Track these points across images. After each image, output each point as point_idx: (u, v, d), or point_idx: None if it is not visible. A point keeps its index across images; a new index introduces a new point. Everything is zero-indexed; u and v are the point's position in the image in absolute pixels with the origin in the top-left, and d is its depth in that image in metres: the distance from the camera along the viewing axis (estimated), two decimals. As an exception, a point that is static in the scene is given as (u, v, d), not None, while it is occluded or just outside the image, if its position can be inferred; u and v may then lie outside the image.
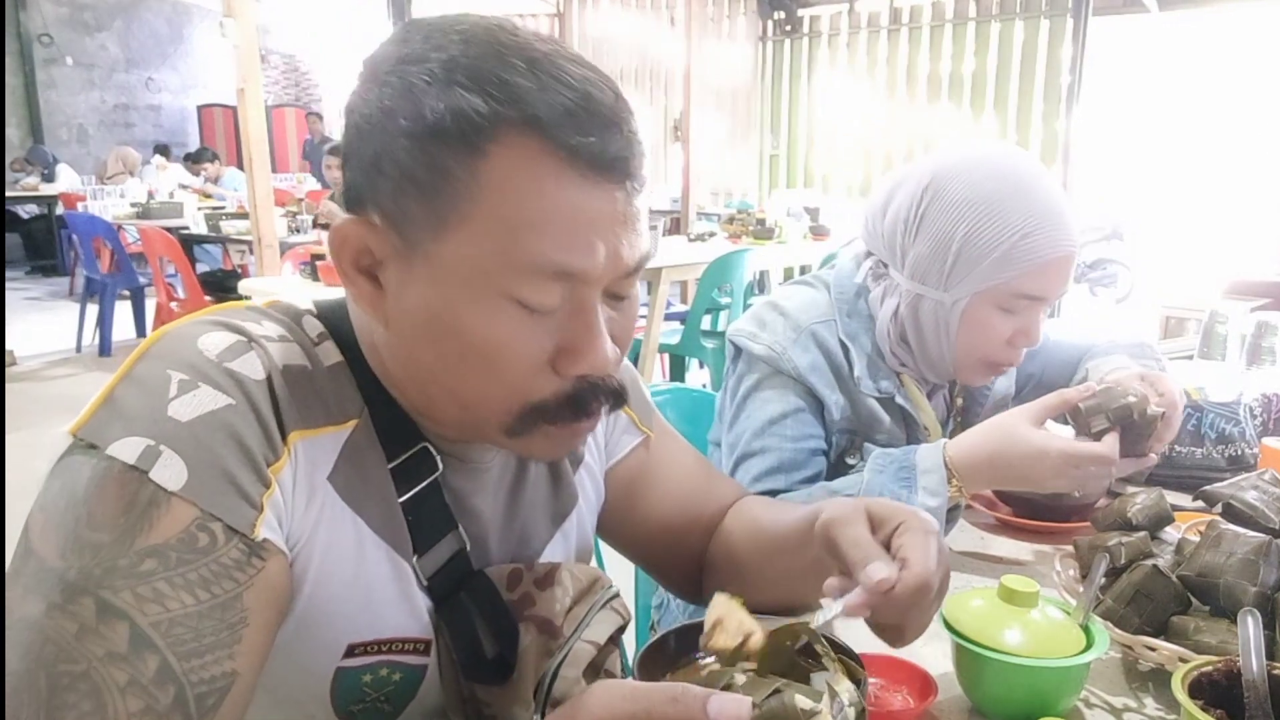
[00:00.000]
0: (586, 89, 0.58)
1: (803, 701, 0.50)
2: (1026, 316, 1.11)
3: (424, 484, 0.69)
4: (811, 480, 1.14)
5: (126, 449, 0.55)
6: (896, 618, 0.64)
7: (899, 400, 1.18)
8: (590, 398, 0.64)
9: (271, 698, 0.66)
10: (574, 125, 0.57)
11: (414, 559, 0.69)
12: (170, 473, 0.55)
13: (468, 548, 0.72)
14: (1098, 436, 0.99)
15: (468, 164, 0.57)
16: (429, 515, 0.69)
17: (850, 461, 1.17)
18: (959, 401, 1.29)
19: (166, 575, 0.53)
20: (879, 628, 0.66)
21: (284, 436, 0.61)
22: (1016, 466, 1.00)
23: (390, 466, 0.67)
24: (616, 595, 0.80)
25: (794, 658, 0.57)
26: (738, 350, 1.22)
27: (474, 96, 0.56)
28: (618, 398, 0.66)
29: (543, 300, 0.60)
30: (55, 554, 0.53)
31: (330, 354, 0.67)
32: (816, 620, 0.62)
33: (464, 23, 0.61)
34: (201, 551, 0.55)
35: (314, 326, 0.68)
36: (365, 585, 0.66)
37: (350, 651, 0.67)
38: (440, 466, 0.70)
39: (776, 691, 0.50)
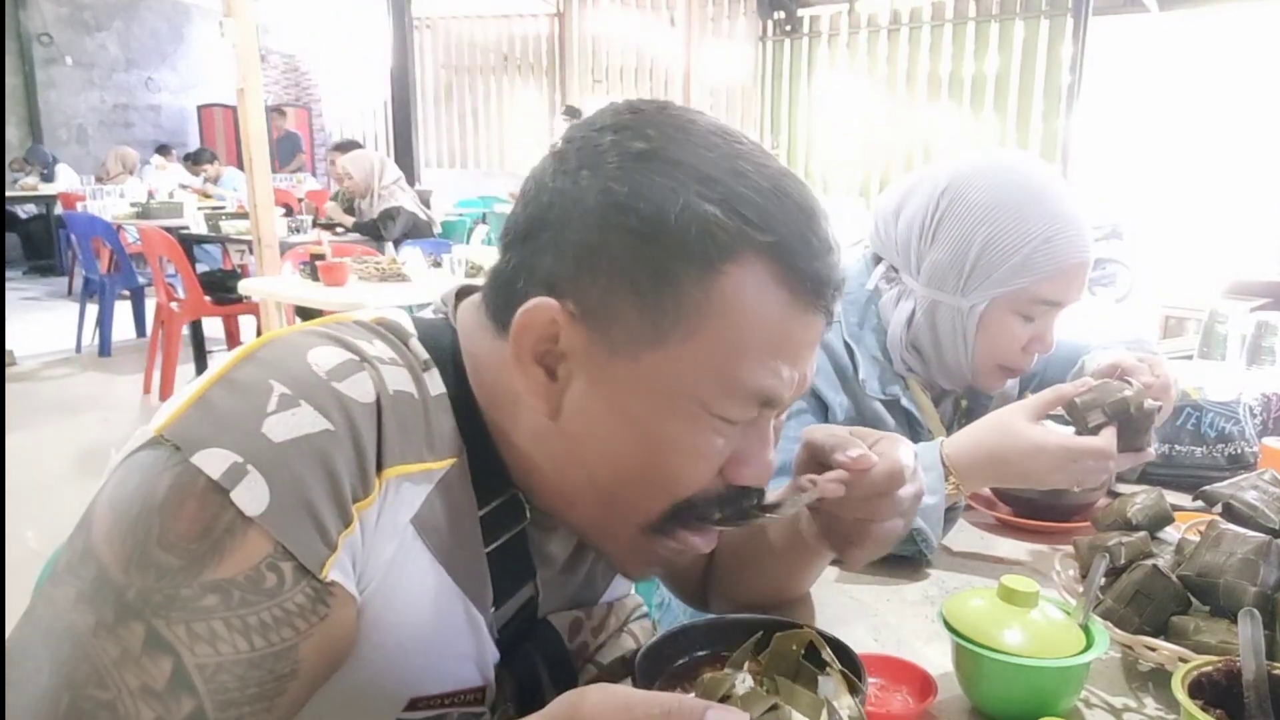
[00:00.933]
0: (813, 210, 0.59)
1: (797, 718, 0.50)
2: (1043, 322, 1.12)
3: (511, 533, 0.66)
4: None
5: (212, 462, 0.52)
6: (866, 509, 0.67)
7: (904, 403, 1.18)
8: (742, 499, 0.64)
9: None
10: (806, 251, 0.57)
11: (491, 610, 0.66)
12: (252, 496, 0.51)
13: (539, 596, 0.70)
14: (1095, 431, 0.99)
15: (701, 281, 0.56)
16: (511, 565, 0.67)
17: None
18: (963, 404, 1.29)
19: (225, 616, 0.50)
20: (840, 534, 0.70)
21: (379, 470, 0.57)
22: (1014, 462, 1.00)
23: (481, 514, 0.64)
24: (642, 617, 0.80)
25: (800, 662, 0.57)
26: None
27: (718, 210, 0.55)
28: (762, 508, 0.66)
29: (742, 418, 0.60)
30: (118, 566, 0.50)
31: (435, 384, 0.63)
32: (791, 506, 0.65)
33: (689, 121, 0.60)
34: (267, 593, 0.52)
35: (420, 350, 0.64)
36: (437, 636, 0.63)
37: (413, 705, 0.63)
38: (529, 515, 0.67)
39: (774, 707, 0.50)
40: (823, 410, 1.16)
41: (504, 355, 0.62)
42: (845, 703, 0.54)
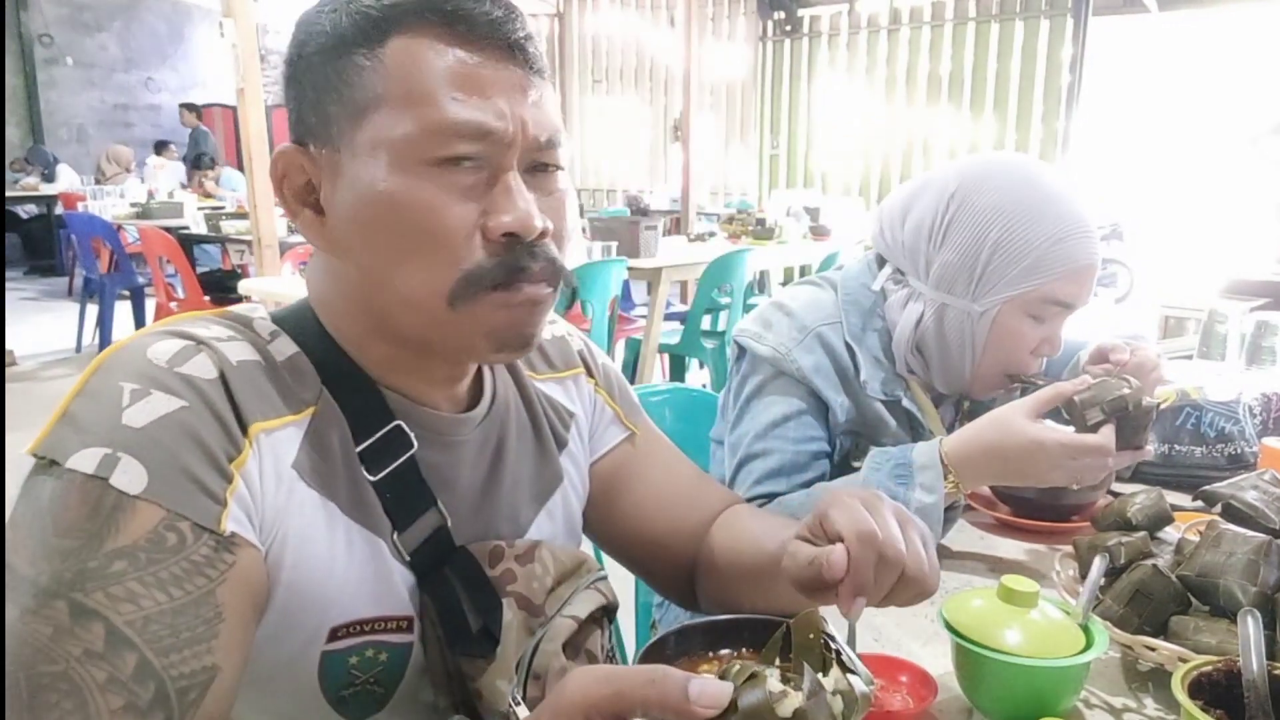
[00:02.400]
0: None
1: (774, 684, 0.50)
2: (1054, 325, 1.12)
3: (398, 462, 0.69)
4: (813, 483, 1.13)
5: (84, 460, 0.56)
6: (890, 590, 0.64)
7: (905, 403, 1.18)
8: (525, 259, 0.66)
9: (262, 689, 0.66)
10: (460, 4, 0.64)
11: (394, 535, 0.69)
12: (130, 477, 0.56)
13: (448, 523, 0.73)
14: (1094, 429, 0.99)
15: (372, 55, 0.63)
16: (406, 492, 0.70)
17: (855, 465, 1.16)
18: (965, 405, 1.29)
19: (138, 575, 0.54)
20: (903, 598, 0.66)
21: (244, 430, 0.62)
22: (1013, 460, 1.00)
23: (359, 449, 0.68)
24: (603, 578, 0.80)
25: (823, 650, 0.56)
26: (742, 350, 1.21)
27: (369, 2, 0.64)
28: (555, 269, 0.68)
29: (454, 152, 0.63)
30: (26, 563, 0.54)
31: (283, 348, 0.68)
32: (840, 634, 0.62)
33: None
34: (171, 550, 0.56)
35: (265, 326, 0.70)
36: (341, 567, 0.67)
37: (334, 635, 0.67)
38: (415, 444, 0.70)
39: (753, 675, 0.50)
40: (823, 410, 1.16)
41: (316, 260, 0.72)
42: (833, 674, 0.54)
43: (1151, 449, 1.03)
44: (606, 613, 0.80)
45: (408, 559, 0.70)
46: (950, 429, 1.24)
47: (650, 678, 0.45)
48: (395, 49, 0.63)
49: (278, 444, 0.64)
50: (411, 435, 0.70)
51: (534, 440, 0.83)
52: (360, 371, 0.70)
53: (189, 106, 9.86)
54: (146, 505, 0.56)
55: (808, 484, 1.13)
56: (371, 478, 0.68)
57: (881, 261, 1.23)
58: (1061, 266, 1.07)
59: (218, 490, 0.59)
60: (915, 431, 1.19)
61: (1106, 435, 0.98)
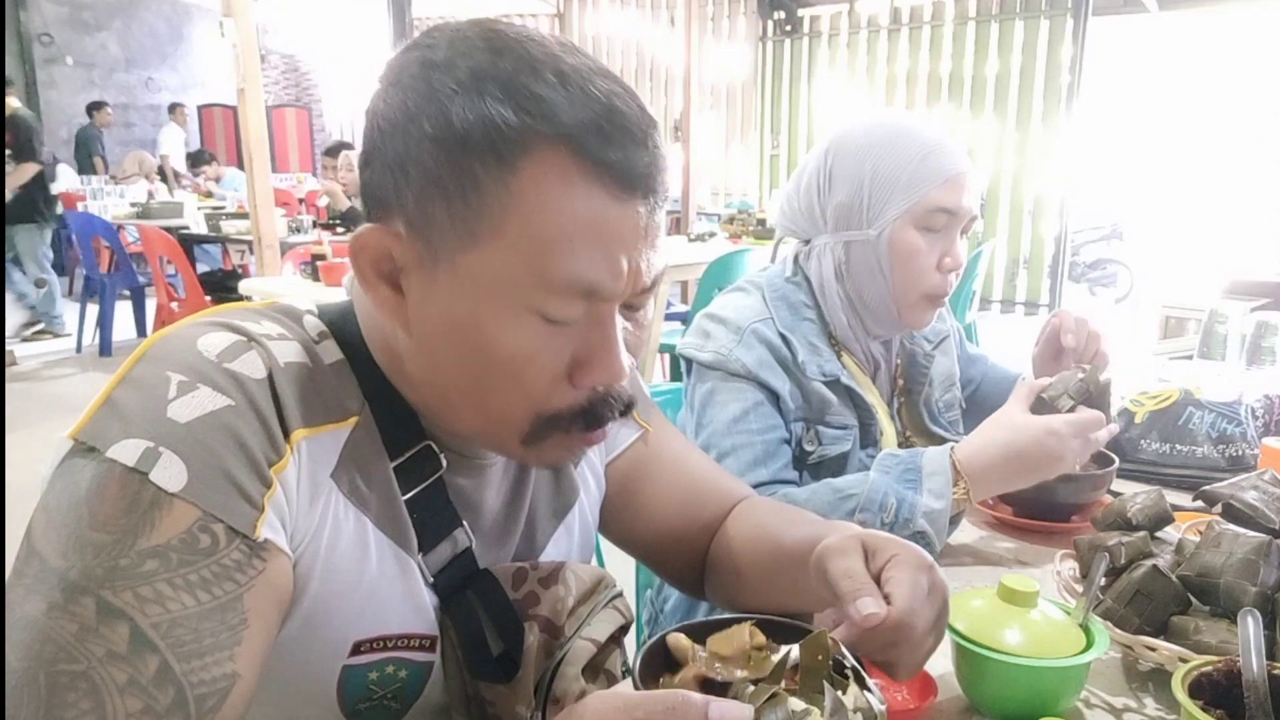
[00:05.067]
0: (613, 103, 0.58)
1: (795, 704, 0.50)
2: (947, 237, 1.20)
3: (428, 482, 0.69)
4: (785, 468, 1.18)
5: (126, 451, 0.55)
6: (882, 654, 0.64)
7: (844, 381, 1.23)
8: (603, 408, 0.64)
9: (278, 697, 0.66)
10: (602, 140, 0.57)
11: (419, 556, 0.69)
12: (170, 474, 0.55)
13: (472, 545, 0.72)
14: (1071, 414, 1.05)
15: (498, 177, 0.57)
16: (433, 513, 0.70)
17: (809, 449, 1.21)
18: (900, 383, 1.34)
19: (168, 576, 0.53)
20: (874, 661, 0.66)
21: (286, 435, 0.61)
22: (1029, 452, 1.03)
23: (394, 465, 0.67)
24: (619, 595, 0.80)
25: (830, 671, 0.56)
26: (689, 364, 1.27)
27: (504, 108, 0.56)
28: (627, 408, 0.67)
29: (566, 314, 0.60)
30: (57, 554, 0.53)
31: (331, 352, 0.67)
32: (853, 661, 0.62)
33: (490, 31, 0.60)
34: (203, 553, 0.55)
35: (314, 325, 0.68)
36: (370, 582, 0.66)
37: (356, 649, 0.67)
38: (444, 464, 0.70)
39: (774, 696, 0.50)
40: (775, 400, 1.21)
41: (356, 277, 0.65)
42: (852, 692, 0.54)
43: (1116, 426, 1.11)
44: (624, 630, 0.80)
45: (431, 580, 0.70)
46: (888, 401, 1.31)
47: (669, 704, 0.45)
48: (527, 179, 0.57)
49: (318, 452, 0.63)
50: (441, 456, 0.70)
51: None
52: (395, 389, 0.69)
53: (97, 105, 9.89)
54: (183, 504, 0.55)
55: (783, 470, 1.18)
56: (403, 495, 0.68)
57: (794, 243, 1.32)
58: (934, 176, 1.17)
59: (255, 495, 0.58)
60: (858, 407, 1.25)
61: (1094, 411, 1.05)
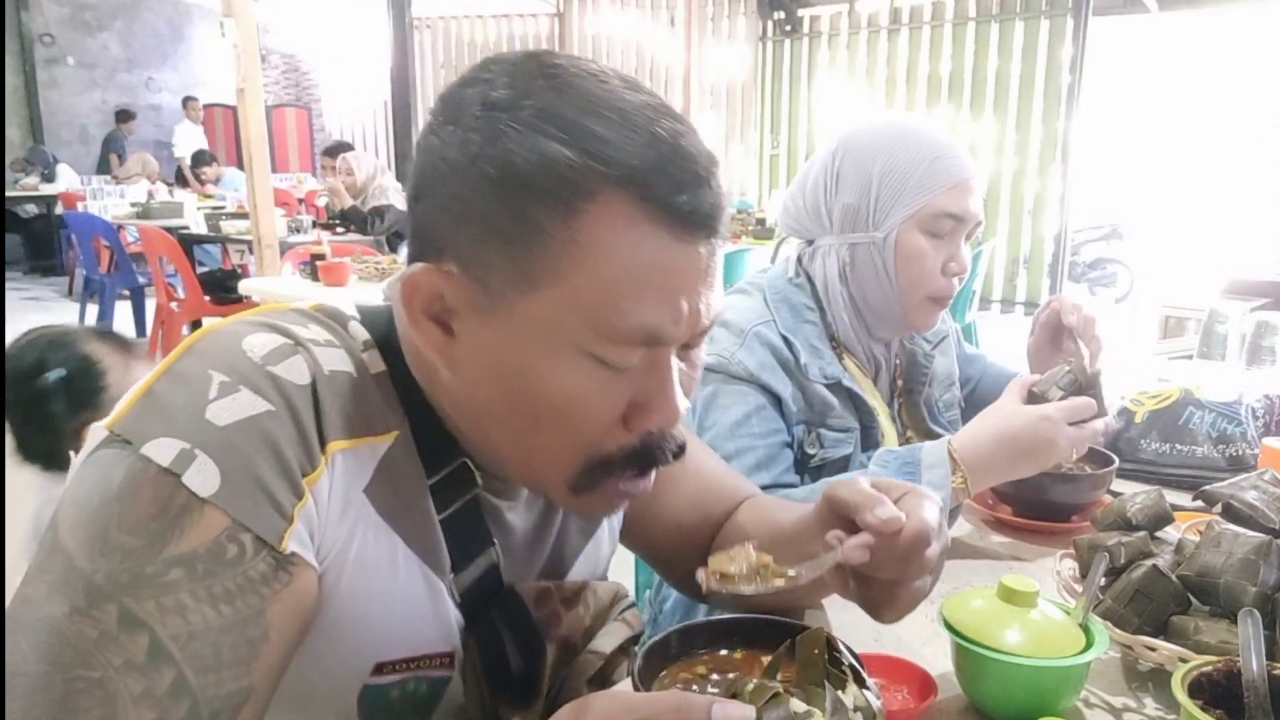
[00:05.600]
0: (678, 143, 0.57)
1: (797, 705, 0.50)
2: (952, 241, 1.21)
3: (463, 501, 0.68)
4: (788, 472, 1.18)
5: (161, 450, 0.54)
6: (894, 570, 0.64)
7: (846, 383, 1.23)
8: (656, 451, 0.63)
9: (296, 711, 0.65)
10: (668, 182, 0.56)
11: (450, 576, 0.67)
12: (203, 478, 0.54)
13: (500, 563, 0.71)
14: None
15: (562, 222, 0.55)
16: (466, 532, 0.68)
17: (810, 452, 1.21)
18: (900, 383, 1.34)
19: (191, 587, 0.53)
20: (870, 597, 0.67)
21: (323, 446, 0.59)
22: (1023, 439, 1.04)
23: (430, 483, 0.66)
24: (631, 606, 0.80)
25: (826, 667, 0.57)
26: None
27: (568, 150, 0.55)
28: (680, 450, 0.65)
29: (626, 361, 0.59)
30: (84, 554, 0.52)
31: (375, 362, 0.65)
32: (813, 569, 0.63)
33: (549, 66, 0.59)
34: (229, 564, 0.54)
35: (359, 333, 0.66)
36: (397, 602, 0.65)
37: (378, 669, 0.65)
38: (479, 483, 0.69)
39: (775, 696, 0.50)
40: (777, 401, 1.20)
41: (404, 315, 0.63)
42: (851, 691, 0.55)
43: (1112, 420, 1.14)
44: (633, 641, 0.79)
45: (458, 599, 0.69)
46: (889, 403, 1.31)
47: (674, 705, 0.45)
48: (591, 224, 0.55)
49: (353, 465, 0.61)
50: (476, 474, 0.68)
51: None
52: (433, 407, 0.67)
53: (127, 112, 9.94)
54: (213, 511, 0.54)
55: (785, 473, 1.18)
56: (439, 515, 0.66)
57: (796, 245, 1.32)
58: (943, 180, 1.17)
59: (286, 505, 0.57)
60: (859, 410, 1.25)
61: (1084, 398, 1.07)
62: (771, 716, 0.49)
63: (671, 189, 0.56)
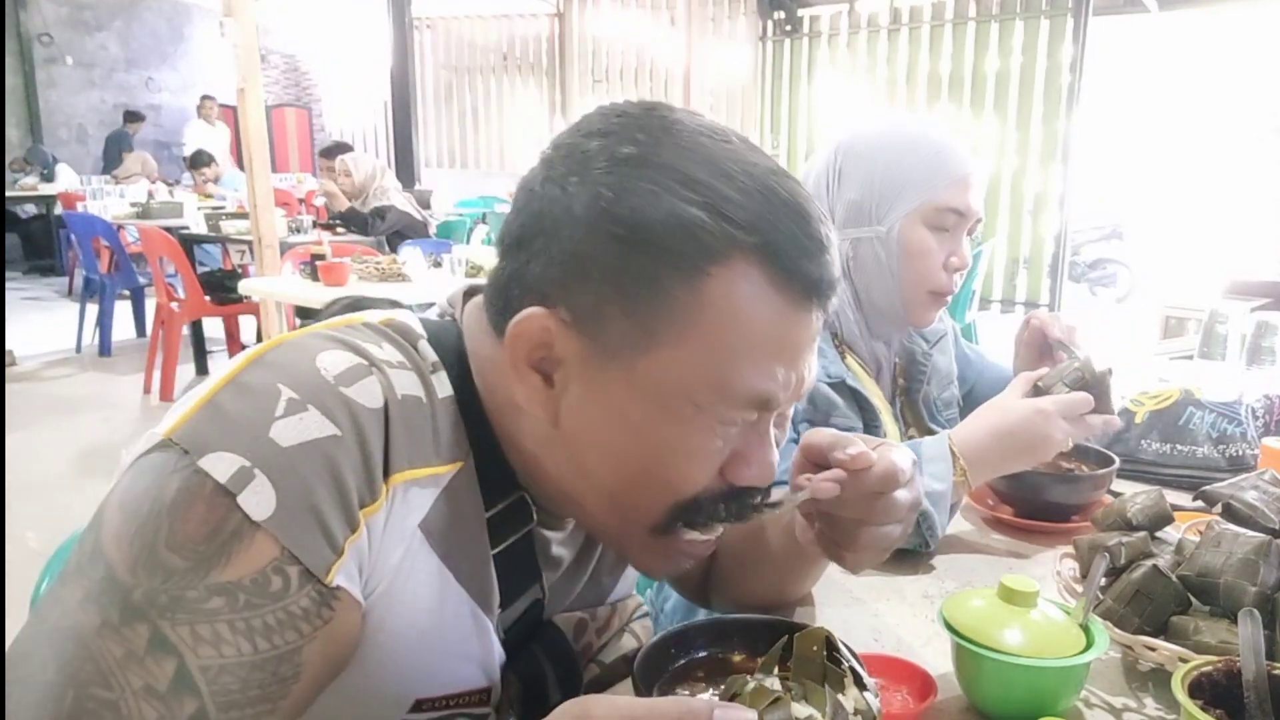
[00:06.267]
0: (803, 208, 0.58)
1: (799, 710, 0.50)
2: (955, 237, 1.22)
3: (517, 536, 0.66)
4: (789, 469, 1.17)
5: (219, 465, 0.52)
6: (861, 509, 0.66)
7: (850, 382, 1.24)
8: (747, 500, 0.64)
9: None
10: (797, 250, 0.57)
11: (498, 613, 0.66)
12: (258, 500, 0.52)
13: (545, 598, 0.70)
14: None
15: (689, 284, 0.56)
16: (517, 567, 0.67)
17: None
18: (901, 382, 1.36)
19: (230, 618, 0.51)
20: (832, 539, 0.68)
21: (386, 476, 0.58)
22: (1018, 432, 1.06)
23: (488, 516, 0.64)
24: (643, 616, 0.80)
25: (824, 663, 0.57)
26: None
27: (701, 212, 0.55)
28: (765, 502, 0.66)
29: (740, 419, 0.60)
30: (125, 566, 0.51)
31: (443, 386, 0.63)
32: (787, 502, 0.65)
33: (675, 122, 0.59)
34: (272, 596, 0.52)
35: (428, 353, 0.64)
36: (442, 639, 0.63)
37: (417, 706, 0.64)
38: (535, 517, 0.67)
39: (776, 700, 0.50)
40: None
41: (505, 361, 0.62)
42: (851, 694, 0.55)
43: (1118, 420, 1.14)
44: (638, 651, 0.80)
45: (503, 636, 0.68)
46: (891, 401, 1.32)
47: (676, 714, 0.45)
48: (718, 286, 0.56)
49: (413, 498, 0.60)
50: (533, 508, 0.67)
51: None
52: (496, 438, 0.66)
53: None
54: (264, 537, 0.52)
55: (788, 470, 1.16)
56: (493, 550, 0.65)
57: None
58: (946, 175, 1.19)
59: (339, 537, 0.55)
60: (863, 409, 1.25)
61: (1082, 392, 1.08)
62: (771, 713, 0.49)
63: (799, 256, 0.57)
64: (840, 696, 0.53)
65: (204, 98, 10.13)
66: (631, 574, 0.83)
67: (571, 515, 0.69)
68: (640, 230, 0.56)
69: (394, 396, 0.59)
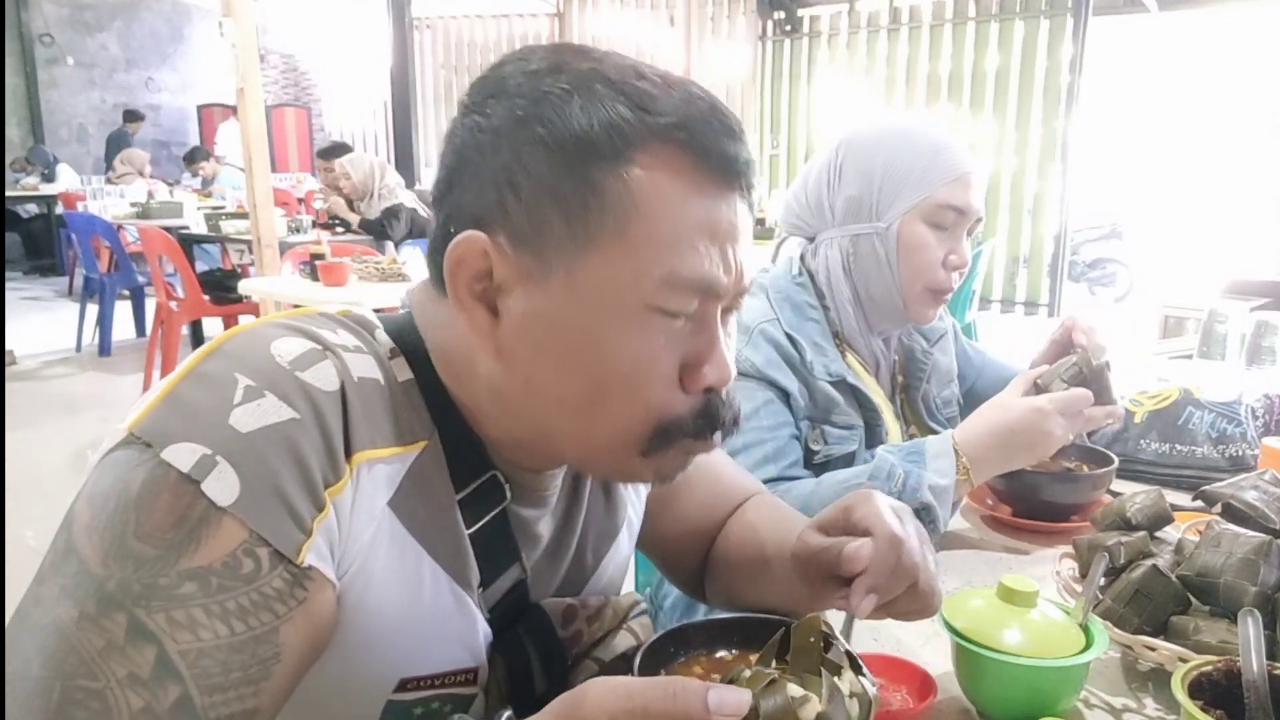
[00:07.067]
0: (714, 102, 0.60)
1: (794, 690, 0.50)
2: (954, 235, 1.23)
3: (492, 514, 0.67)
4: (795, 465, 1.19)
5: (182, 455, 0.53)
6: (900, 585, 0.65)
7: (850, 380, 1.25)
8: (719, 409, 0.64)
9: None
10: (712, 134, 0.59)
11: (479, 591, 0.66)
12: (222, 486, 0.53)
13: (529, 578, 0.71)
14: None
15: (618, 175, 0.57)
16: (495, 545, 0.67)
17: (814, 448, 1.23)
18: (900, 379, 1.37)
19: (204, 602, 0.51)
20: (904, 611, 0.68)
21: (349, 456, 0.58)
22: (1018, 429, 1.07)
23: (459, 497, 0.65)
24: (642, 614, 0.79)
25: (822, 656, 0.57)
26: None
27: (620, 106, 0.57)
28: (737, 417, 0.66)
29: (686, 306, 0.60)
30: (97, 559, 0.51)
31: (401, 370, 0.64)
32: (837, 630, 0.63)
33: (579, 47, 0.62)
34: (244, 579, 0.53)
35: (385, 341, 0.65)
36: (422, 618, 0.63)
37: (402, 686, 0.64)
38: (509, 495, 0.68)
39: (772, 681, 0.50)
40: (785, 398, 1.22)
41: (446, 314, 0.63)
42: (847, 677, 0.55)
43: (1120, 409, 1.16)
44: (637, 649, 0.79)
45: (488, 615, 0.68)
46: (891, 399, 1.33)
47: (669, 691, 0.45)
48: (647, 176, 0.57)
49: (378, 476, 0.60)
50: (506, 486, 0.67)
51: (605, 482, 0.80)
52: (462, 416, 0.66)
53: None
54: (231, 522, 0.52)
55: (792, 466, 1.18)
56: (468, 529, 0.65)
57: (797, 244, 1.34)
58: (946, 173, 1.20)
59: (306, 517, 0.55)
60: (863, 407, 1.26)
61: (1080, 389, 1.10)
62: (768, 701, 0.49)
63: (717, 138, 0.59)
64: (836, 680, 0.53)
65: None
66: (622, 559, 0.84)
67: (558, 462, 0.69)
68: (564, 131, 0.57)
69: (350, 379, 0.59)
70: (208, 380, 0.56)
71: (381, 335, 0.65)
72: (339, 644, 0.60)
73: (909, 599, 0.66)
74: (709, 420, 0.63)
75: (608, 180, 0.57)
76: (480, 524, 0.66)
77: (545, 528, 0.73)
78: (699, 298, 0.60)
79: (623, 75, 0.59)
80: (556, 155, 0.57)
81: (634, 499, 0.85)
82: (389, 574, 0.61)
